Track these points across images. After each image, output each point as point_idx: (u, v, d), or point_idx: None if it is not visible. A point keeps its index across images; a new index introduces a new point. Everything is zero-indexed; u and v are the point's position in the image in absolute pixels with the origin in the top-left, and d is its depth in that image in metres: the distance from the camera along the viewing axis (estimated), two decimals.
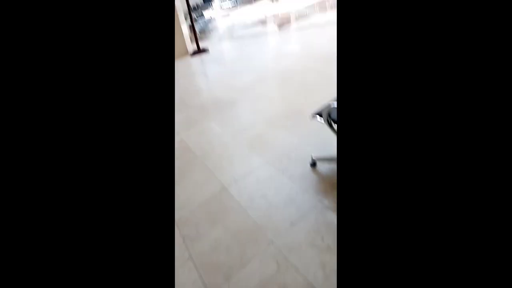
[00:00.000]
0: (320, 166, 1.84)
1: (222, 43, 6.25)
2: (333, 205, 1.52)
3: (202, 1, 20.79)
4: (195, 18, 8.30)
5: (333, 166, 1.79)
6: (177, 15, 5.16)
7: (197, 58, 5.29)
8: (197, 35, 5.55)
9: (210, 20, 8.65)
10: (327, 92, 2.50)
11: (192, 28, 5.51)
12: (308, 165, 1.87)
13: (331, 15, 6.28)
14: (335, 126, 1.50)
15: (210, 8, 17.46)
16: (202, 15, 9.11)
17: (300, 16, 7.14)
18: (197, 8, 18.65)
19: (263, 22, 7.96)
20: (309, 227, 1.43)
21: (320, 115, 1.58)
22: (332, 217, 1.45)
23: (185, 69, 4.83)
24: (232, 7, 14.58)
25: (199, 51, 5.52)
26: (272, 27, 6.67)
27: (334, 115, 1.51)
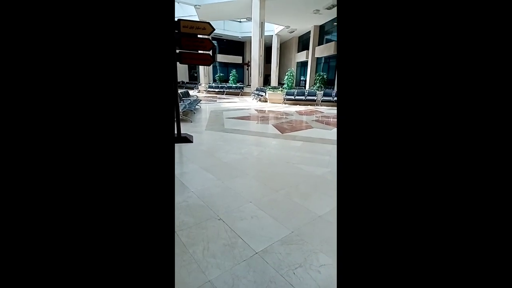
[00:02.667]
0: None
1: (210, 133, 4.65)
2: None
3: (187, 79, 20.61)
4: (180, 95, 7.02)
5: None
6: None
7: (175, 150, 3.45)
8: (180, 118, 3.91)
9: (195, 101, 7.44)
10: None
11: (175, 108, 3.91)
12: None
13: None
14: None
15: (195, 88, 17.37)
16: (188, 94, 7.93)
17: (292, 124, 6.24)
18: (182, 84, 18.48)
19: (253, 118, 6.87)
20: None
21: None
22: None
23: None
24: (218, 92, 14.47)
25: (179, 139, 3.75)
26: (271, 129, 5.41)
27: None
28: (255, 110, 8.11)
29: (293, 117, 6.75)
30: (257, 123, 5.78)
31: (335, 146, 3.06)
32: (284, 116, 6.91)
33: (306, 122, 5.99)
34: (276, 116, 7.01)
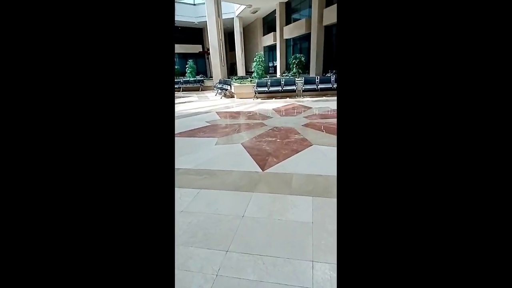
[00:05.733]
0: None
1: None
2: None
3: None
4: None
5: None
6: None
7: None
8: None
9: None
10: None
11: None
12: None
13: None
14: None
15: None
16: None
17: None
18: None
19: (210, 131, 4.35)
20: None
21: None
22: None
23: None
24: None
25: None
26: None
27: None
28: (217, 113, 5.60)
29: (273, 122, 4.39)
30: (216, 144, 3.33)
31: None
32: (259, 122, 4.51)
33: (296, 132, 3.67)
34: (247, 123, 4.59)
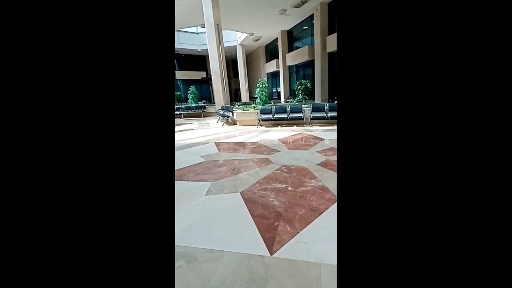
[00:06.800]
0: None
1: None
2: None
3: None
4: None
5: None
6: None
7: None
8: None
9: None
10: None
11: None
12: None
13: None
14: None
15: None
16: None
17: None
18: None
19: (203, 171, 3.54)
20: None
21: None
22: None
23: None
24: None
25: None
26: None
27: None
28: (216, 144, 4.84)
29: (281, 158, 3.59)
30: (207, 193, 2.50)
31: None
32: (263, 158, 3.71)
33: (312, 175, 2.84)
34: (249, 159, 3.78)
